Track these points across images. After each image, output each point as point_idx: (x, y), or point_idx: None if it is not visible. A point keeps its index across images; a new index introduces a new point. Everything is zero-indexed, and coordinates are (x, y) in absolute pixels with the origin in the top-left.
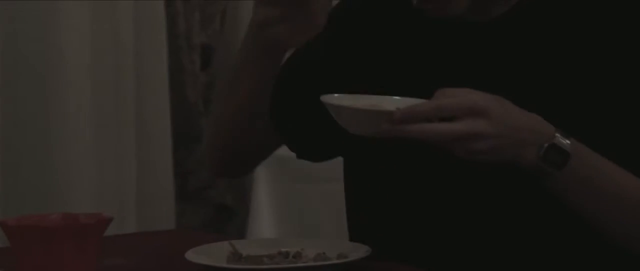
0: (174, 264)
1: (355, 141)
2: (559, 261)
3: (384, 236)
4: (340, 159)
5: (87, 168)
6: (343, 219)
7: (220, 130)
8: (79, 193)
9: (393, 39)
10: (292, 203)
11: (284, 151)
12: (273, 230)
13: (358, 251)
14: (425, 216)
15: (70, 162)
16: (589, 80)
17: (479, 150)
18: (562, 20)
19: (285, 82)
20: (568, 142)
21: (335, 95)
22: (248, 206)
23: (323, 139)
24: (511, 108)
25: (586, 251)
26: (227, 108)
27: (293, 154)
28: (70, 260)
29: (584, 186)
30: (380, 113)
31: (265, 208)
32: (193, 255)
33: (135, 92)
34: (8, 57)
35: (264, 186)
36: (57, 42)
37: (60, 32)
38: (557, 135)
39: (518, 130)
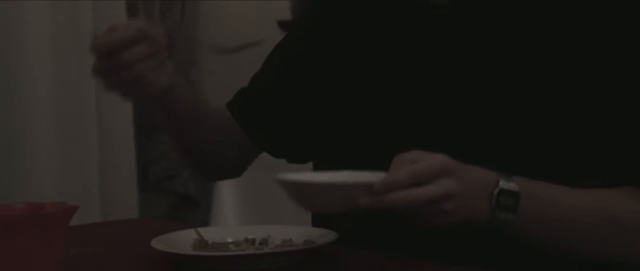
0: (139, 253)
1: (327, 145)
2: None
3: (346, 223)
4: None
5: (50, 158)
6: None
7: (184, 155)
8: (42, 184)
9: (365, 26)
10: (256, 192)
11: None
12: (237, 219)
13: (325, 237)
14: None
15: (33, 153)
16: (561, 60)
17: (447, 210)
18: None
19: (253, 87)
20: (513, 183)
21: (286, 174)
22: (211, 196)
23: (297, 141)
24: (464, 165)
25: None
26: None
27: None
28: (35, 250)
29: (539, 220)
30: (357, 187)
31: (229, 197)
32: (158, 243)
33: (96, 83)
34: None
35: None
36: (19, 35)
37: (23, 24)
38: (500, 180)
39: (474, 185)
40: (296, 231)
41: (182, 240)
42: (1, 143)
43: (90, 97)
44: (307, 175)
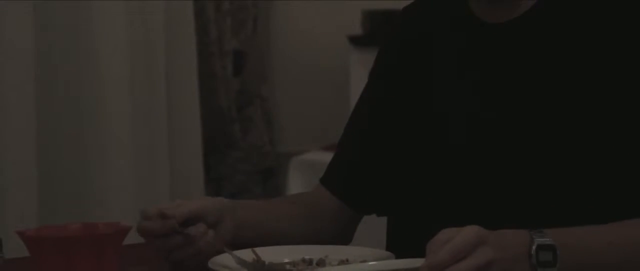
0: None
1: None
2: None
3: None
4: None
5: (122, 176)
6: (378, 222)
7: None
8: (113, 201)
9: (420, 62)
10: None
11: (315, 155)
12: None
13: (381, 258)
14: None
15: (104, 170)
16: (601, 88)
17: (489, 254)
18: (579, 23)
19: (342, 157)
20: (547, 237)
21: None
22: None
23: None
24: (497, 231)
25: None
26: None
27: (324, 158)
28: (90, 270)
29: (579, 268)
30: None
31: None
32: (216, 264)
33: (167, 100)
34: (44, 68)
35: (297, 190)
36: (92, 52)
37: (95, 41)
38: (535, 237)
39: (510, 248)
40: (353, 252)
41: (239, 260)
42: (74, 160)
43: (162, 115)
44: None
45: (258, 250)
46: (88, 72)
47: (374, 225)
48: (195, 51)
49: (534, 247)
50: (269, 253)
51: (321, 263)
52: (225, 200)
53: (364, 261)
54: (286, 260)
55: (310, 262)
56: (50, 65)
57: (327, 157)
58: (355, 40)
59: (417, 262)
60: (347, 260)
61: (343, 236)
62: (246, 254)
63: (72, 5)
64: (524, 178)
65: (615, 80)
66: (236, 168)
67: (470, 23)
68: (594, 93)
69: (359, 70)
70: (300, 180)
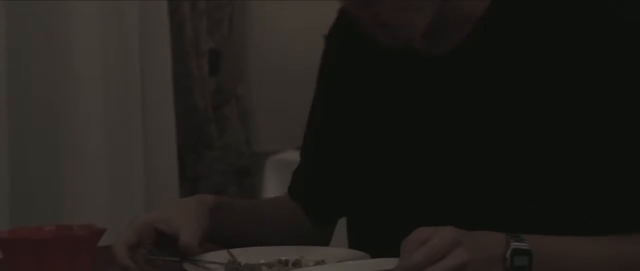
0: None
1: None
2: None
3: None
4: None
5: (96, 176)
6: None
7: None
8: (86, 201)
9: (365, 80)
10: None
11: (292, 155)
12: None
13: (358, 258)
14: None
15: (78, 170)
16: (545, 109)
17: (465, 254)
18: (517, 49)
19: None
20: (524, 243)
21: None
22: None
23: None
24: (472, 233)
25: None
26: None
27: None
28: None
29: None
30: None
31: None
32: (190, 265)
33: (142, 100)
34: (16, 71)
35: (274, 191)
36: (66, 51)
37: (69, 40)
38: (511, 241)
39: (485, 250)
40: (329, 252)
41: (214, 261)
42: (46, 160)
43: (136, 115)
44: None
45: (233, 250)
46: (61, 71)
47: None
48: (170, 51)
49: (509, 251)
50: (244, 254)
51: (297, 263)
52: (208, 199)
53: (340, 261)
54: (262, 261)
55: (286, 263)
56: (23, 64)
57: None
58: None
59: (393, 262)
60: (323, 261)
61: (321, 238)
62: (221, 255)
63: (45, 4)
64: (491, 196)
65: (569, 89)
66: (212, 167)
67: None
68: (550, 107)
69: None
70: (276, 179)
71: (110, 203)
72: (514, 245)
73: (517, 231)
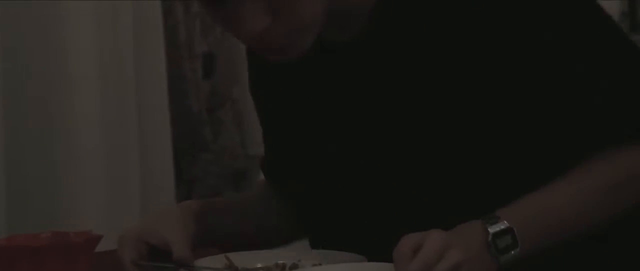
0: None
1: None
2: None
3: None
4: None
5: (91, 179)
6: None
7: None
8: (82, 203)
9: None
10: None
11: None
12: None
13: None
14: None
15: (74, 173)
16: (459, 81)
17: (456, 257)
18: (417, 29)
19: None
20: (499, 222)
21: None
22: None
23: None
24: (453, 231)
25: None
26: None
27: None
28: None
29: (542, 236)
30: None
31: None
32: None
33: (137, 104)
34: (10, 71)
35: None
36: (60, 53)
37: (63, 42)
38: (486, 226)
39: (471, 244)
40: (326, 255)
41: (211, 266)
42: (42, 162)
43: (131, 118)
44: None
45: (231, 255)
46: (56, 73)
47: None
48: (164, 54)
49: (489, 237)
50: (241, 258)
51: (294, 267)
52: (192, 205)
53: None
54: (259, 265)
55: (283, 267)
56: (18, 64)
57: None
58: None
59: (389, 267)
60: (320, 264)
61: None
62: (218, 260)
63: (39, 5)
64: (437, 178)
65: (477, 57)
66: (207, 170)
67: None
68: (464, 79)
69: None
70: None
71: (106, 205)
72: (492, 229)
73: (481, 206)
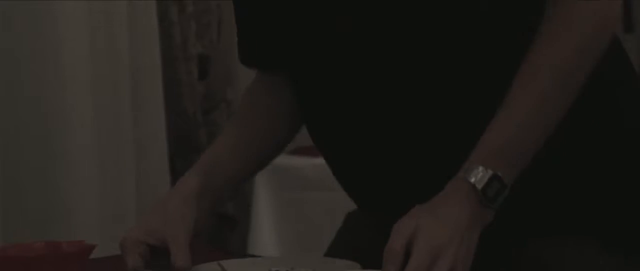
0: None
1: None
2: None
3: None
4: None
5: (86, 182)
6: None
7: None
8: (77, 206)
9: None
10: (292, 211)
11: (282, 160)
12: (274, 238)
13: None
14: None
15: (68, 176)
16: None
17: (448, 263)
18: None
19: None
20: (480, 172)
21: None
22: (250, 215)
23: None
24: (437, 208)
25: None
26: None
27: (292, 163)
28: None
29: (520, 159)
30: None
31: (266, 216)
32: None
33: (132, 106)
34: (5, 76)
35: (264, 195)
36: (55, 55)
37: (59, 47)
38: (468, 178)
39: (461, 216)
40: (322, 263)
41: None
42: (38, 167)
43: (126, 120)
44: None
45: (224, 262)
46: (51, 75)
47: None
48: (160, 55)
49: (479, 194)
50: (234, 266)
51: None
52: (192, 188)
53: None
54: None
55: None
56: (11, 65)
57: (293, 161)
58: None
59: None
60: None
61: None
62: (212, 267)
63: (34, 7)
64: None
65: None
66: None
67: None
68: None
69: None
70: (266, 183)
71: (101, 207)
72: (479, 184)
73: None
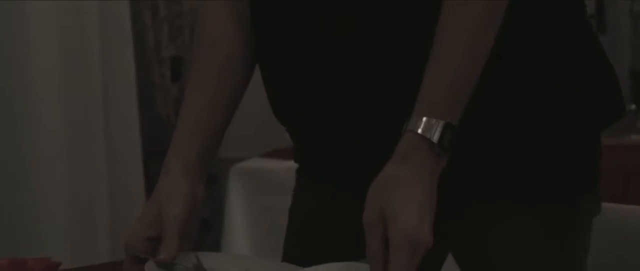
0: None
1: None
2: None
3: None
4: None
5: (57, 186)
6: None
7: None
8: (50, 211)
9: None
10: (265, 215)
11: (256, 163)
12: (247, 242)
13: None
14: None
15: (39, 180)
16: None
17: (400, 231)
18: None
19: None
20: (432, 125)
21: None
22: (223, 219)
23: None
24: (393, 181)
25: None
26: None
27: (265, 165)
28: None
29: (465, 99)
30: None
31: (239, 219)
32: (152, 265)
33: (104, 108)
34: None
35: (238, 198)
36: (25, 60)
37: (28, 50)
38: (423, 134)
39: (424, 178)
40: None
41: (178, 264)
42: (8, 172)
43: (98, 124)
44: None
45: (201, 254)
46: (20, 80)
47: None
48: (133, 59)
49: (435, 148)
50: (210, 260)
51: None
52: (192, 162)
53: None
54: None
55: None
56: None
57: (268, 164)
58: None
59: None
60: None
61: None
62: (188, 257)
63: (3, 9)
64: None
65: None
66: None
67: None
68: None
69: None
70: (241, 187)
71: (70, 214)
72: (434, 137)
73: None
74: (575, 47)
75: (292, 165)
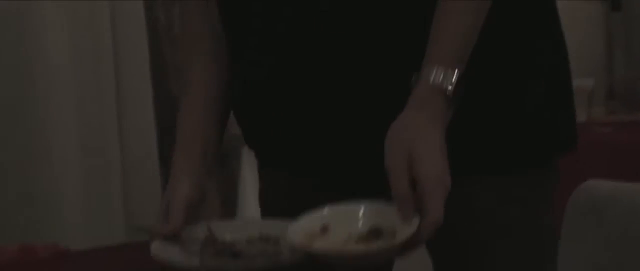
0: None
1: None
2: None
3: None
4: None
5: (73, 166)
6: None
7: None
8: (66, 190)
9: None
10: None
11: None
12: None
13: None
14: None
15: (54, 157)
16: None
17: (430, 172)
18: None
19: None
20: (448, 73)
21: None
22: (236, 192)
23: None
24: (415, 128)
25: None
26: None
27: None
28: None
29: (470, 48)
30: (389, 251)
31: (253, 195)
32: (159, 247)
33: (116, 88)
34: None
35: (251, 173)
36: (36, 43)
37: (39, 32)
38: (441, 86)
39: (436, 137)
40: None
41: (190, 238)
42: (21, 154)
43: (111, 103)
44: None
45: (214, 224)
46: (34, 66)
47: None
48: (146, 38)
49: (450, 90)
50: (223, 229)
51: (276, 242)
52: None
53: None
54: (243, 237)
55: (267, 239)
56: None
57: None
58: None
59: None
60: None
61: None
62: (200, 229)
63: None
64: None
65: None
66: None
67: None
68: None
69: None
70: (253, 164)
71: (85, 190)
72: (447, 86)
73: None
74: (531, 21)
75: None
